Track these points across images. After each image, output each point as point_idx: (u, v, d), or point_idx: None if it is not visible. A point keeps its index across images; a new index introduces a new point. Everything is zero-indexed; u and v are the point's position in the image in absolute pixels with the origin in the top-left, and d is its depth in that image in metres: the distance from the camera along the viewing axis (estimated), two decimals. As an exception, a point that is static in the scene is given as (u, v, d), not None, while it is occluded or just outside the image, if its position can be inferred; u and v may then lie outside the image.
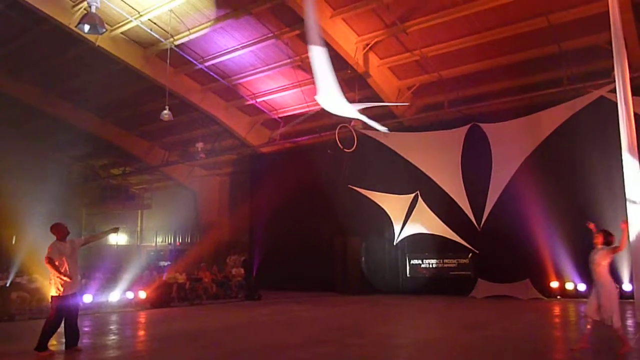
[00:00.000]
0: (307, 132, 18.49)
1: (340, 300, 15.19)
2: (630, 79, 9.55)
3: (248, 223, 20.56)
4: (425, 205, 16.10)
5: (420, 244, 16.33)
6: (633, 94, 9.34)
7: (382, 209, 16.79)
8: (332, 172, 17.38)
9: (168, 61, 14.09)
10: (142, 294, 13.48)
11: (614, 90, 9.66)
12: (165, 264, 20.46)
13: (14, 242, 17.59)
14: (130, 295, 13.43)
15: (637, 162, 8.97)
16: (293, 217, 18.44)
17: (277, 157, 19.78)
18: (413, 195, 16.37)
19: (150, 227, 28.39)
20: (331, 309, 13.06)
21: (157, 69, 15.55)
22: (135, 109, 19.36)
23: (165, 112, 13.47)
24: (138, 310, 13.05)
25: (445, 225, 15.71)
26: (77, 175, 26.05)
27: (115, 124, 21.28)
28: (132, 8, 13.27)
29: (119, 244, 28.41)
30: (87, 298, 12.67)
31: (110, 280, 13.95)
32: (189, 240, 26.05)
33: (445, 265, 16.01)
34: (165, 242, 27.17)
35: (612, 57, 9.37)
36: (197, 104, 17.63)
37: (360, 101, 15.37)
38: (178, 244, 26.43)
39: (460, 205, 15.26)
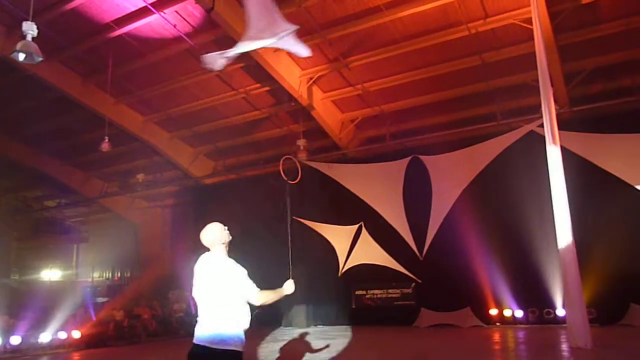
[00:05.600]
0: (251, 164, 18.45)
1: (284, 333, 14.97)
2: (557, 114, 10.22)
3: (191, 256, 20.00)
4: (369, 236, 16.20)
5: (365, 274, 16.35)
6: (559, 129, 9.97)
7: (327, 240, 16.80)
8: (277, 204, 17.28)
9: (108, 91, 13.77)
10: (76, 334, 12.80)
11: (542, 125, 10.23)
12: (103, 300, 19.54)
13: None
14: (62, 335, 12.72)
15: (564, 191, 9.55)
16: (236, 249, 18.08)
17: (221, 189, 19.53)
18: (357, 226, 16.47)
19: (86, 262, 27.15)
20: (275, 344, 12.84)
21: (96, 99, 15.16)
22: (72, 139, 18.68)
23: (105, 142, 13.11)
24: (71, 351, 12.39)
25: (388, 256, 15.80)
26: (6, 207, 24.67)
27: (50, 154, 20.39)
28: (74, 35, 12.96)
29: (52, 280, 26.95)
30: (15, 339, 11.93)
31: (41, 320, 13.17)
32: (128, 275, 25.03)
33: (390, 296, 16.15)
34: (103, 277, 25.99)
35: (540, 94, 10.02)
36: (138, 134, 17.23)
37: (305, 133, 15.58)
38: (116, 278, 25.35)
39: (403, 236, 15.42)
